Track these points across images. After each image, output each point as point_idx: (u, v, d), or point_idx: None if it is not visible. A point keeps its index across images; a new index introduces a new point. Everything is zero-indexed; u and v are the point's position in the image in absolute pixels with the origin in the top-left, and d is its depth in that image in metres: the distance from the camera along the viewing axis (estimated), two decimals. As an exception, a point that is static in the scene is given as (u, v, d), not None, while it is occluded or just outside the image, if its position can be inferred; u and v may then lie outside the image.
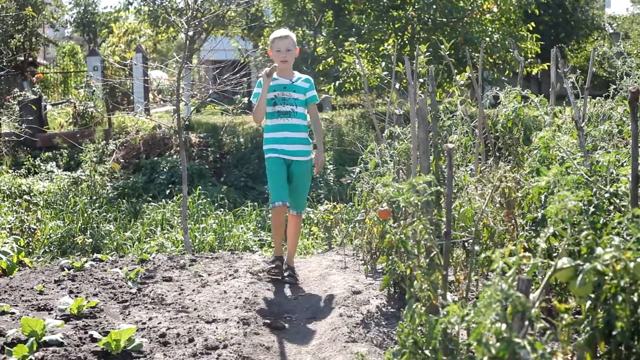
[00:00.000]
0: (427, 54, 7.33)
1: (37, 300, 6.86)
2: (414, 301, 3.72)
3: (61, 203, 14.27)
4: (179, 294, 7.24)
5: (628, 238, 3.28)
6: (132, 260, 9.03)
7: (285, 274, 7.99)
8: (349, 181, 9.00)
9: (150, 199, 16.27)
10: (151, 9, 26.21)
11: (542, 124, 6.07)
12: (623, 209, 3.95)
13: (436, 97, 5.75)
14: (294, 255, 8.35)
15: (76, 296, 6.88)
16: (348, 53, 21.04)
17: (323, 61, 23.91)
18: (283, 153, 7.87)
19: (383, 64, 20.37)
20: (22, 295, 7.04)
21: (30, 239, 10.65)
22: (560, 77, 6.19)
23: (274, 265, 8.03)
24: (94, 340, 5.56)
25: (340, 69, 21.56)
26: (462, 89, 7.67)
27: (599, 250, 2.94)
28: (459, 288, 5.65)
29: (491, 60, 22.89)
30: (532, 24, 24.25)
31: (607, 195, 4.08)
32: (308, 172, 8.05)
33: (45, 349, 5.34)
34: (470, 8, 22.79)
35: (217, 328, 6.04)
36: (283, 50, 7.97)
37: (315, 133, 8.19)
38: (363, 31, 23.68)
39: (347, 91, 24.60)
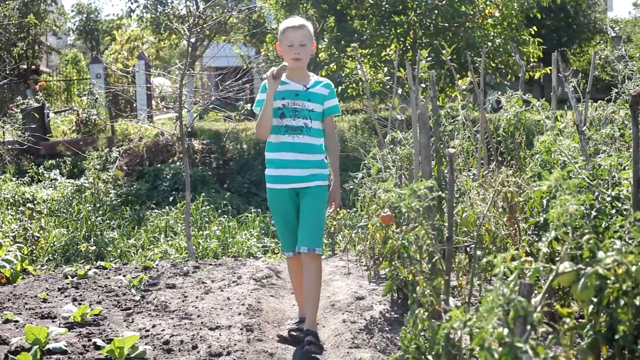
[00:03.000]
0: (429, 58, 7.33)
1: (40, 308, 6.88)
2: (417, 306, 3.72)
3: (65, 211, 14.29)
4: (183, 301, 7.24)
5: (630, 242, 3.28)
6: (136, 268, 9.05)
7: (306, 339, 5.85)
8: (351, 187, 8.96)
9: (154, 206, 16.30)
10: (153, 16, 26.29)
11: (544, 128, 6.08)
12: (625, 212, 3.95)
13: (439, 102, 5.76)
14: (315, 315, 6.16)
15: (80, 304, 6.90)
16: (350, 58, 21.03)
17: (325, 67, 23.92)
18: (290, 181, 6.01)
19: (385, 69, 20.37)
20: (26, 303, 7.05)
21: (33, 247, 10.66)
22: (561, 81, 6.19)
23: (295, 327, 6.26)
24: (97, 347, 5.57)
25: (343, 75, 21.58)
26: (465, 94, 7.66)
27: (600, 254, 2.94)
28: (461, 293, 5.65)
29: (493, 65, 22.89)
30: (534, 28, 24.25)
31: (609, 199, 4.08)
32: (322, 197, 6.09)
33: (49, 357, 5.35)
34: (472, 13, 22.80)
35: (220, 335, 6.04)
36: (296, 44, 5.98)
37: (329, 156, 6.20)
38: (365, 37, 23.69)
39: (349, 97, 24.61)
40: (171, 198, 16.91)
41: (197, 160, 20.07)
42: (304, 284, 6.07)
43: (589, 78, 6.51)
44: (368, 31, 23.88)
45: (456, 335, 3.42)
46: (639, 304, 2.90)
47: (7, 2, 16.74)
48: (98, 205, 15.28)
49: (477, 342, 2.59)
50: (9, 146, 18.25)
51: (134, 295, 7.44)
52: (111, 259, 11.29)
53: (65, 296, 7.39)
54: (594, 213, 3.98)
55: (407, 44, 23.16)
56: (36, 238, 10.80)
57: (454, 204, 4.68)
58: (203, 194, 15.68)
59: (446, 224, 4.12)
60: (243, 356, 5.53)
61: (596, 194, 4.15)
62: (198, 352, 5.61)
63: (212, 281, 8.16)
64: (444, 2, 21.97)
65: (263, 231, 13.19)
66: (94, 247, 11.42)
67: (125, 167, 19.48)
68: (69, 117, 25.39)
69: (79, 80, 33.95)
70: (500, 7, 23.10)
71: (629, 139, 5.73)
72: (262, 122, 5.98)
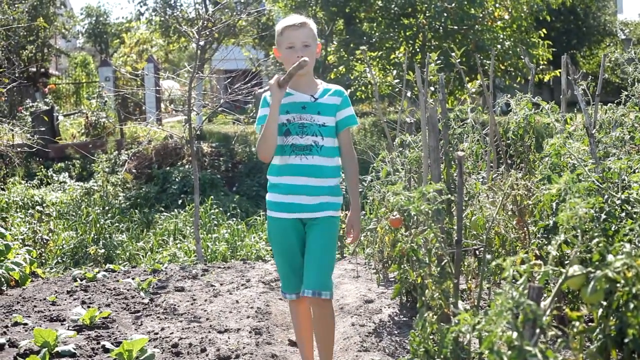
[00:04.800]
0: (438, 61, 7.31)
1: (49, 311, 6.89)
2: (426, 310, 3.71)
3: (74, 214, 14.30)
4: (191, 304, 7.25)
5: (640, 245, 3.27)
6: (145, 271, 9.06)
7: None
8: (360, 190, 8.94)
9: (163, 209, 16.31)
10: (162, 19, 26.34)
11: (554, 131, 6.07)
12: (635, 215, 3.94)
13: (448, 105, 5.74)
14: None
15: (89, 307, 6.91)
16: (359, 61, 21.05)
17: (334, 70, 23.93)
18: (297, 210, 4.96)
19: (394, 72, 20.38)
20: (35, 306, 7.07)
21: (42, 249, 10.67)
22: (571, 83, 6.17)
23: None
24: (106, 350, 5.58)
25: (352, 77, 21.59)
26: (474, 97, 7.65)
27: (610, 257, 2.93)
28: (471, 296, 5.64)
29: (503, 68, 22.89)
30: (544, 30, 24.25)
31: (618, 202, 4.07)
32: (332, 231, 5.05)
33: (57, 359, 5.36)
34: (481, 15, 22.81)
35: (229, 338, 6.05)
36: (298, 45, 4.94)
37: (346, 177, 5.14)
38: (374, 39, 23.71)
39: (358, 100, 24.60)
40: (180, 201, 16.90)
41: (206, 163, 20.08)
42: (315, 335, 5.13)
43: (599, 81, 6.49)
44: (377, 34, 23.90)
45: (465, 338, 3.41)
46: (649, 307, 2.89)
47: (16, 5, 16.76)
48: (107, 208, 15.29)
49: (486, 345, 2.58)
50: (18, 149, 18.26)
51: (143, 298, 7.45)
52: (120, 262, 11.29)
53: (74, 299, 7.40)
54: (603, 216, 3.97)
55: (416, 47, 23.17)
56: (45, 241, 10.81)
57: (463, 207, 4.67)
58: (212, 196, 15.64)
59: (455, 227, 4.11)
60: (252, 359, 5.53)
61: (606, 197, 4.14)
62: (207, 355, 5.61)
63: (221, 284, 8.17)
64: (453, 4, 22.00)
65: (272, 234, 13.15)
66: (102, 250, 11.42)
67: (134, 170, 19.50)
68: (78, 120, 25.46)
69: (88, 83, 34.07)
70: (510, 10, 23.13)
71: (639, 142, 5.72)
72: (265, 141, 4.91)
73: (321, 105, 4.98)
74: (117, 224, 13.92)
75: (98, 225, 12.99)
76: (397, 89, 9.39)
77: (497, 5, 23.05)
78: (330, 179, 4.99)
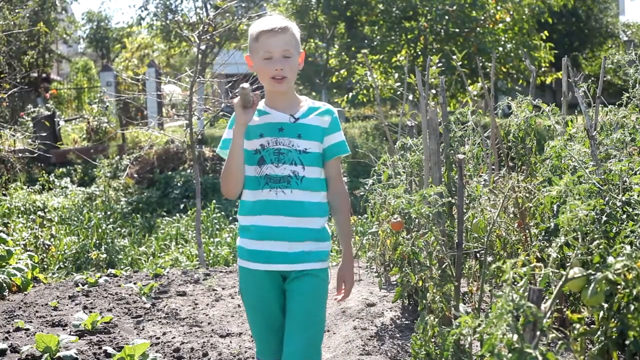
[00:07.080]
0: (440, 64, 7.31)
1: (51, 316, 6.89)
2: (427, 313, 3.71)
3: (75, 219, 14.29)
4: (193, 309, 7.25)
5: (641, 247, 3.26)
6: (146, 275, 9.05)
7: None
8: (362, 193, 8.91)
9: (165, 214, 16.30)
10: (163, 23, 26.35)
11: (555, 133, 6.06)
12: (636, 217, 3.93)
13: (450, 108, 5.74)
14: None
15: (90, 312, 6.91)
16: (361, 65, 21.05)
17: (336, 73, 23.93)
18: (271, 260, 3.90)
19: (396, 75, 20.38)
20: (37, 312, 7.07)
21: (44, 255, 10.66)
22: (571, 86, 6.16)
23: None
24: (108, 355, 5.58)
25: (354, 81, 21.60)
26: (476, 99, 7.63)
27: (610, 259, 2.93)
28: (472, 299, 5.63)
29: (504, 70, 22.89)
30: (546, 32, 24.27)
31: (619, 203, 4.06)
32: (321, 290, 3.98)
33: (59, 365, 5.37)
34: (482, 18, 22.81)
35: (231, 342, 6.04)
36: (277, 55, 3.85)
37: (335, 218, 4.08)
38: (375, 43, 23.72)
39: (360, 103, 24.61)
40: (182, 205, 16.91)
41: (207, 167, 20.06)
42: None
43: (599, 82, 6.48)
44: (378, 37, 23.91)
45: (466, 341, 3.41)
46: (650, 309, 2.88)
47: (17, 11, 16.78)
48: (109, 213, 15.28)
49: (486, 348, 2.58)
50: (20, 154, 18.27)
51: (145, 303, 7.45)
52: (122, 266, 11.29)
53: (76, 304, 7.40)
54: (604, 218, 3.96)
55: (417, 50, 23.18)
56: (47, 246, 10.81)
57: (464, 210, 4.66)
58: (214, 201, 15.61)
59: (456, 230, 4.10)
60: (253, 363, 5.54)
61: (607, 199, 4.13)
62: (209, 359, 5.61)
63: (223, 288, 8.16)
64: (455, 7, 21.99)
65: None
66: (104, 255, 11.41)
67: (135, 175, 19.48)
68: (79, 125, 25.47)
69: (90, 88, 34.07)
70: (511, 12, 23.13)
71: (640, 144, 5.71)
72: (228, 174, 3.94)
73: (303, 126, 3.94)
74: (119, 229, 13.93)
75: (100, 230, 12.99)
76: (398, 92, 9.40)
77: (498, 7, 23.06)
78: (314, 218, 3.93)
